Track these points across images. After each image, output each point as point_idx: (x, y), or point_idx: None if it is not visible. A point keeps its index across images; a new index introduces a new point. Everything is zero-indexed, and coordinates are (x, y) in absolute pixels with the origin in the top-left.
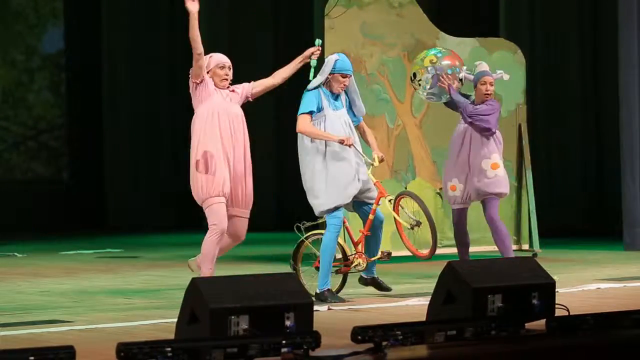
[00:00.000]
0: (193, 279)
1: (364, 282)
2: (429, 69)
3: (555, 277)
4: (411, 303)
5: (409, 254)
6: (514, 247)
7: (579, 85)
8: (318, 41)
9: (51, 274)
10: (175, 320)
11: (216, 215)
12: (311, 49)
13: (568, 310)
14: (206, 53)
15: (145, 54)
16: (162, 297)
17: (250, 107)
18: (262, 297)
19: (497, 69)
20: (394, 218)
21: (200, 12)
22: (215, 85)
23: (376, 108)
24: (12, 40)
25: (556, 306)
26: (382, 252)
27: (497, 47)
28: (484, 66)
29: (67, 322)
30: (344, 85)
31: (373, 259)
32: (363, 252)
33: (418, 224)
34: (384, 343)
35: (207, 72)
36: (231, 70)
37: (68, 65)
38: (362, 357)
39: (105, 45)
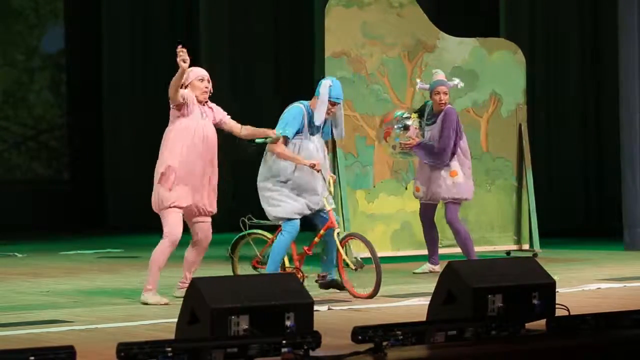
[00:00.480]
0: (193, 279)
1: (333, 285)
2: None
3: (555, 277)
4: (411, 303)
5: (409, 254)
6: (514, 247)
7: (579, 85)
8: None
9: (51, 274)
10: (176, 320)
11: (169, 225)
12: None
13: (568, 310)
14: (207, 54)
15: (145, 54)
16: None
17: (255, 110)
18: (262, 297)
19: (454, 78)
20: (338, 250)
21: (200, 13)
22: (196, 98)
23: (376, 108)
24: (12, 40)
25: (556, 306)
26: (319, 275)
27: (497, 47)
28: (440, 75)
29: (67, 322)
30: (332, 112)
31: (309, 276)
32: (300, 268)
33: (362, 265)
34: (384, 343)
35: (187, 86)
36: (210, 83)
37: (68, 65)
38: (362, 357)
39: (106, 45)
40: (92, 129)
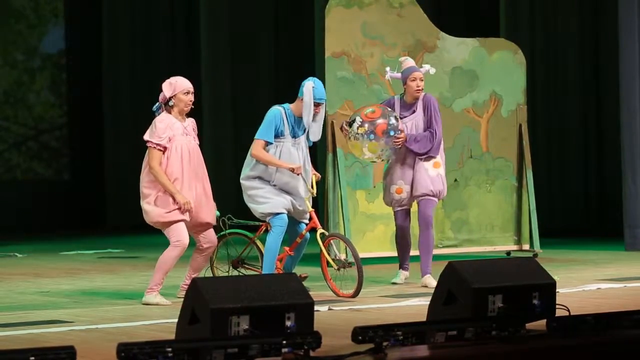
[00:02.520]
0: (194, 279)
1: None
2: (380, 141)
3: (555, 277)
4: (411, 303)
5: (410, 254)
6: (515, 247)
7: (579, 85)
8: (217, 213)
9: (52, 274)
10: (176, 320)
11: (177, 235)
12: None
13: (569, 311)
14: (207, 54)
15: (145, 53)
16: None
17: (256, 111)
18: (263, 297)
19: (424, 65)
20: (321, 252)
21: (200, 13)
22: (179, 110)
23: None
24: (12, 40)
25: (557, 306)
26: (300, 275)
27: (497, 47)
28: (410, 62)
29: (68, 322)
30: (317, 113)
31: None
32: (282, 268)
33: (344, 265)
34: (385, 343)
35: (171, 98)
36: (193, 95)
37: (69, 66)
38: (362, 358)
39: (106, 46)
40: (92, 129)
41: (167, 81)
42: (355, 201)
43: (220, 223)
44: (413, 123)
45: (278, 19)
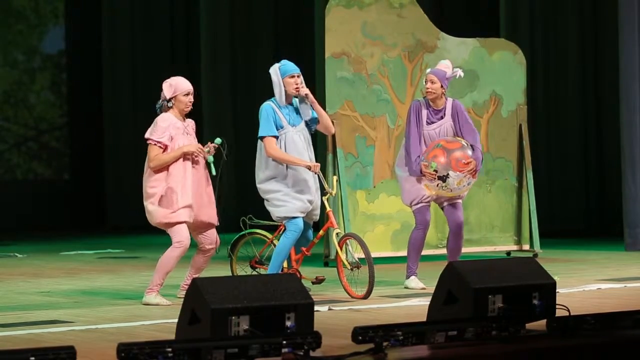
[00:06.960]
0: (194, 279)
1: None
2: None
3: (555, 278)
4: (412, 303)
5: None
6: (515, 247)
7: (579, 85)
8: (218, 140)
9: (52, 274)
10: (176, 320)
11: (178, 235)
12: (210, 145)
13: (569, 311)
14: (207, 54)
15: (145, 54)
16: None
17: (255, 110)
18: (263, 298)
19: (455, 69)
20: (337, 253)
21: (200, 13)
22: (179, 111)
23: (377, 108)
24: (13, 40)
25: (557, 306)
26: (317, 277)
27: (497, 47)
28: (439, 64)
29: (68, 322)
30: (296, 85)
31: (306, 277)
32: (298, 269)
33: (358, 266)
34: (385, 343)
35: (170, 99)
36: (192, 95)
37: (69, 66)
38: (362, 358)
39: (106, 45)
40: (92, 129)
41: (167, 82)
42: (355, 201)
43: (241, 223)
44: (441, 129)
45: (278, 19)
